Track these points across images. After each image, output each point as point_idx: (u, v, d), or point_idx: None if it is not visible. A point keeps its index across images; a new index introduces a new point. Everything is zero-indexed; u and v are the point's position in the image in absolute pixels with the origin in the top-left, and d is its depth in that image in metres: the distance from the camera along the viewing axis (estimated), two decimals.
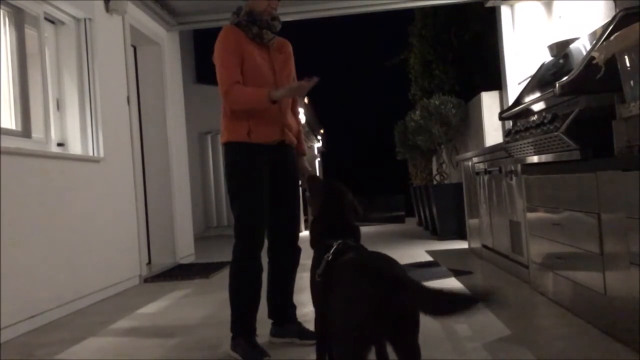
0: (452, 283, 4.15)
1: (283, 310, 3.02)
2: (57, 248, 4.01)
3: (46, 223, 3.91)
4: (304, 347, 2.84)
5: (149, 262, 5.98)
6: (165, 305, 4.22)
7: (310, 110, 12.53)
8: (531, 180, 3.72)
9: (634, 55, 2.40)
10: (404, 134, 9.48)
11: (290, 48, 2.97)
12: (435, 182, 8.79)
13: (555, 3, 5.01)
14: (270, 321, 3.04)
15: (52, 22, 4.57)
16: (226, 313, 3.80)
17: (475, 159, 5.37)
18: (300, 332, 2.94)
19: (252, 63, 2.75)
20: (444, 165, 8.70)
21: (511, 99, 5.64)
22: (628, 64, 2.46)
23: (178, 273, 5.59)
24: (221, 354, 2.87)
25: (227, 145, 2.81)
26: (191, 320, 3.65)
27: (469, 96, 7.83)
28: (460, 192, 6.23)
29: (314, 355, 2.46)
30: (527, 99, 3.85)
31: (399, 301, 1.64)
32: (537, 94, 3.63)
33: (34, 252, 3.75)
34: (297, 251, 3.04)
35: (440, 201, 7.47)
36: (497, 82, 6.55)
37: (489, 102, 6.89)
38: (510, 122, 4.89)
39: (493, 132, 6.75)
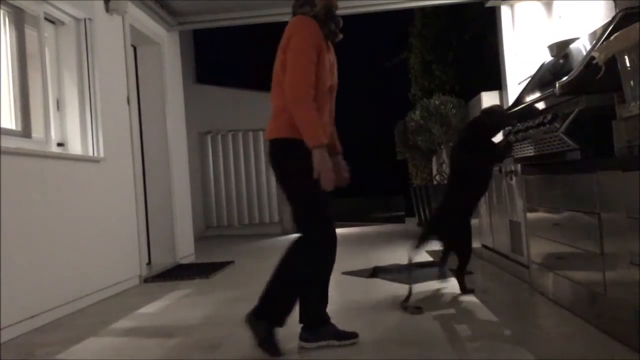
0: (452, 283, 4.14)
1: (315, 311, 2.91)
2: (57, 248, 4.01)
3: (46, 223, 3.91)
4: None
5: (149, 262, 5.98)
6: (165, 305, 4.22)
7: None
8: (531, 180, 3.72)
9: (634, 55, 2.41)
10: (404, 134, 9.48)
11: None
12: (435, 182, 8.79)
13: (555, 3, 5.01)
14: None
15: (52, 22, 4.57)
16: (226, 313, 3.81)
17: None
18: (337, 334, 2.83)
19: (323, 64, 2.65)
20: (444, 165, 8.69)
21: (511, 99, 5.65)
22: (628, 64, 2.46)
23: (178, 273, 5.59)
24: (221, 354, 2.87)
25: (291, 141, 2.64)
26: (191, 320, 3.65)
27: (469, 96, 7.83)
28: None
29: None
30: (527, 99, 3.85)
31: None
32: (537, 94, 3.63)
33: (34, 252, 3.75)
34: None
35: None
36: (497, 82, 6.55)
37: (489, 102, 6.88)
38: None
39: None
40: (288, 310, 2.75)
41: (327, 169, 2.56)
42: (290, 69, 2.59)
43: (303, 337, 2.84)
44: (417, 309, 3.46)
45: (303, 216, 2.75)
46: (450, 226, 3.88)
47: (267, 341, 2.69)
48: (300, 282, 2.77)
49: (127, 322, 3.74)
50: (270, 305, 2.75)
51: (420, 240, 3.96)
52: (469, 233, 3.96)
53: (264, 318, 2.73)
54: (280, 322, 2.74)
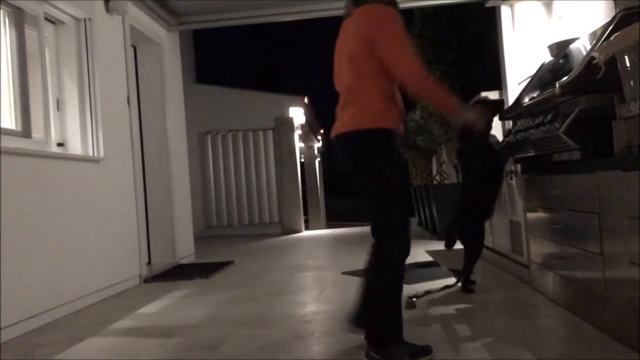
0: (451, 282, 4.15)
1: None
2: (57, 248, 4.01)
3: (46, 223, 3.91)
4: None
5: (149, 262, 5.98)
6: (165, 305, 4.22)
7: (310, 110, 12.53)
8: (531, 180, 3.72)
9: (634, 55, 2.40)
10: (404, 134, 9.47)
11: None
12: (435, 182, 8.79)
13: (555, 3, 5.01)
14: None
15: (52, 22, 4.57)
16: (226, 313, 3.81)
17: None
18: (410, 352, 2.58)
19: None
20: (444, 165, 8.70)
21: (511, 99, 5.64)
22: (628, 64, 2.46)
23: (178, 273, 5.59)
24: (221, 354, 2.86)
25: (380, 131, 2.54)
26: (191, 320, 3.64)
27: (469, 96, 7.83)
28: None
29: None
30: (527, 99, 3.85)
31: None
32: (537, 94, 3.63)
33: (34, 252, 3.75)
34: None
35: (440, 201, 7.46)
36: (497, 82, 6.55)
37: None
38: (510, 122, 4.89)
39: (493, 132, 6.73)
40: (401, 319, 2.54)
41: (473, 114, 2.77)
42: (398, 53, 2.52)
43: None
44: (410, 305, 3.49)
45: (388, 208, 2.56)
46: (462, 226, 3.94)
47: (421, 350, 2.51)
48: (391, 291, 2.54)
49: (127, 322, 3.74)
50: (385, 325, 2.51)
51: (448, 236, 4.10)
52: (478, 234, 3.97)
53: (393, 340, 2.49)
54: (400, 332, 2.52)
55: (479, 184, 3.93)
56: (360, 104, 2.57)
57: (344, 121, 2.61)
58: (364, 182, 2.63)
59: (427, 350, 2.53)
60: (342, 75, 2.68)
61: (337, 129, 2.65)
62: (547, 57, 4.12)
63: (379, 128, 2.53)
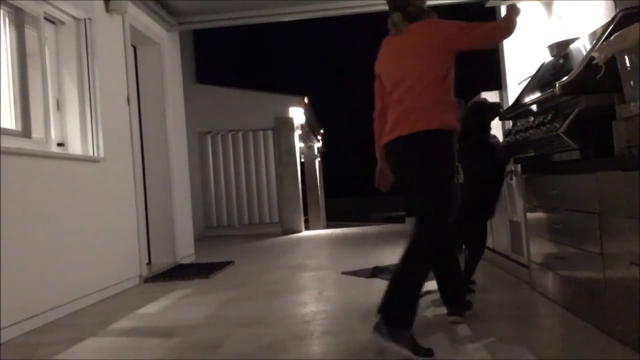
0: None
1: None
2: (57, 248, 4.01)
3: (46, 223, 3.91)
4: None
5: (149, 262, 5.98)
6: (165, 305, 4.22)
7: (310, 109, 12.53)
8: (531, 180, 3.73)
9: (634, 55, 2.40)
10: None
11: None
12: None
13: (555, 3, 5.00)
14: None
15: (52, 22, 4.57)
16: (226, 313, 3.81)
17: None
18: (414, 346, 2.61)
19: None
20: None
21: (511, 99, 5.64)
22: (628, 64, 2.46)
23: (178, 273, 5.59)
24: (221, 354, 2.87)
25: (444, 132, 2.79)
26: (191, 320, 3.65)
27: (469, 96, 7.82)
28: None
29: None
30: (527, 99, 3.85)
31: None
32: (537, 94, 3.63)
33: (34, 252, 3.75)
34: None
35: None
36: (497, 82, 6.55)
37: None
38: (510, 122, 4.89)
39: (493, 132, 6.73)
40: (416, 308, 2.70)
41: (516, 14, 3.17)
42: (476, 38, 3.04)
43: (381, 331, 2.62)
44: None
45: (437, 205, 2.79)
46: (464, 225, 3.95)
47: (422, 350, 2.54)
48: (419, 276, 2.77)
49: (127, 322, 3.74)
50: (405, 308, 2.65)
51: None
52: (480, 235, 3.97)
53: (406, 325, 2.60)
54: (411, 323, 2.64)
55: (480, 185, 3.94)
56: (427, 108, 2.80)
57: (412, 124, 2.79)
58: (423, 177, 2.80)
59: (429, 352, 2.54)
60: (400, 85, 2.88)
61: (402, 131, 2.81)
62: (547, 57, 4.13)
63: (444, 129, 2.79)
